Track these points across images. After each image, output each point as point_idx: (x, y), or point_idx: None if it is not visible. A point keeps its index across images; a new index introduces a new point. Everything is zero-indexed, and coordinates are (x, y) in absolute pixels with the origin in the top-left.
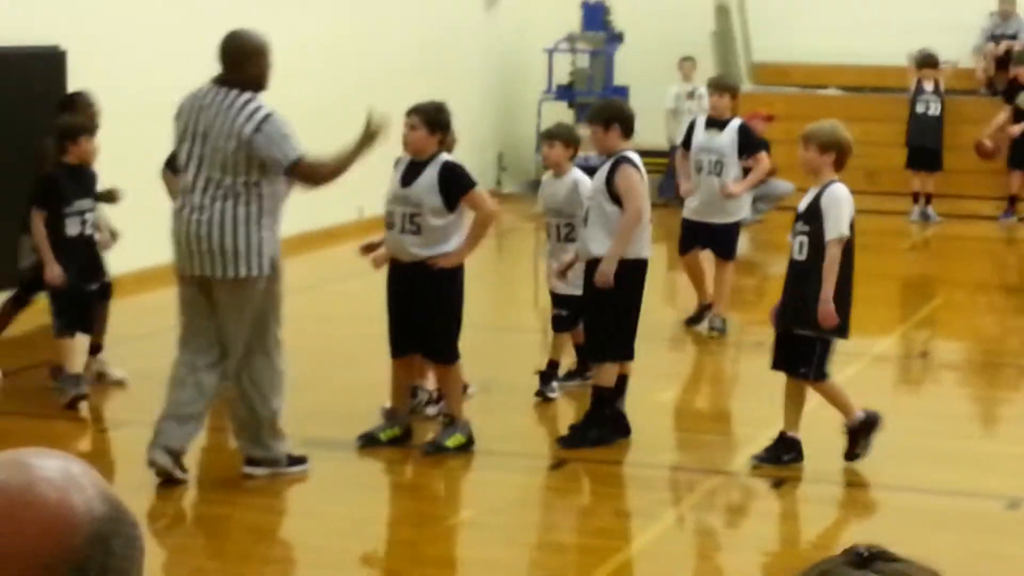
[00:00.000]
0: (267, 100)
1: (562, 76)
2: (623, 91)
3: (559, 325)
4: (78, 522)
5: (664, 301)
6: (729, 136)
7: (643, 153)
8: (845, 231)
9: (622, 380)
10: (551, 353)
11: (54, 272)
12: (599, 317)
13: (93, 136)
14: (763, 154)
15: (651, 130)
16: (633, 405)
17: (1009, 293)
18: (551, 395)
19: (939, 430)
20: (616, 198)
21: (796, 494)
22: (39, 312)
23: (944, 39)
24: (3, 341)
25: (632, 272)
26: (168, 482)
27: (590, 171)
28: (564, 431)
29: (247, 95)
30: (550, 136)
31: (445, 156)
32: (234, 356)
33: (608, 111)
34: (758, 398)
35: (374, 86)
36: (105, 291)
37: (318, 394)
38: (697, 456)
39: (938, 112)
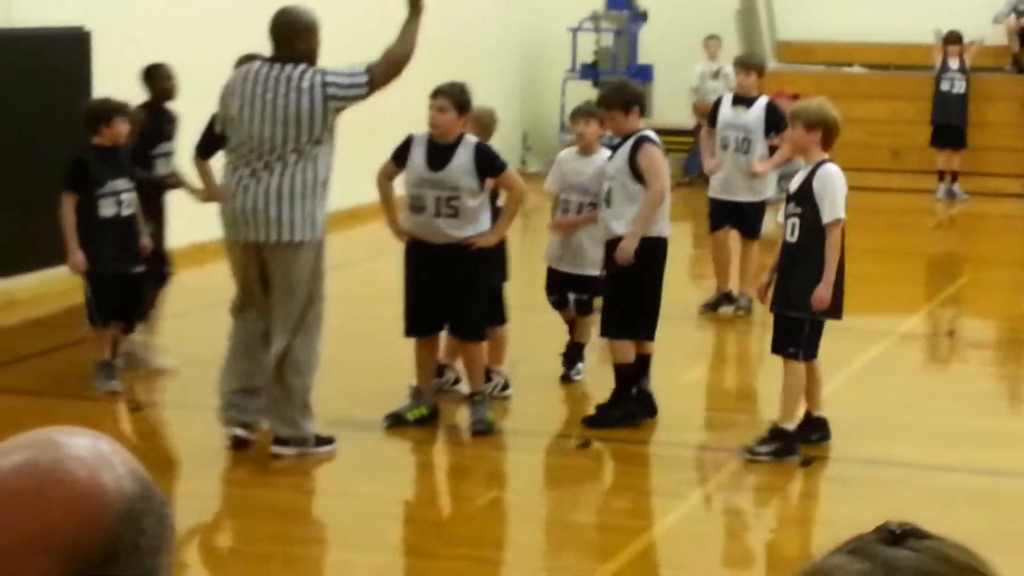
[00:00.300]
0: None
1: (586, 55)
2: (647, 70)
3: (583, 309)
4: (108, 501)
5: (689, 280)
6: (756, 114)
7: (667, 132)
8: (841, 214)
9: (645, 360)
10: (577, 336)
11: (76, 259)
12: (620, 295)
13: (126, 117)
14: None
15: (675, 109)
16: (659, 385)
17: None
18: (576, 378)
19: (966, 409)
20: (639, 177)
21: (824, 473)
22: (69, 292)
23: (969, 17)
24: (35, 322)
25: (653, 250)
26: (240, 444)
27: (613, 150)
28: (590, 411)
29: (302, 66)
30: (587, 113)
31: (471, 137)
32: (283, 326)
33: (626, 94)
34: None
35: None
36: (160, 278)
37: (345, 374)
38: (724, 436)
39: (963, 90)
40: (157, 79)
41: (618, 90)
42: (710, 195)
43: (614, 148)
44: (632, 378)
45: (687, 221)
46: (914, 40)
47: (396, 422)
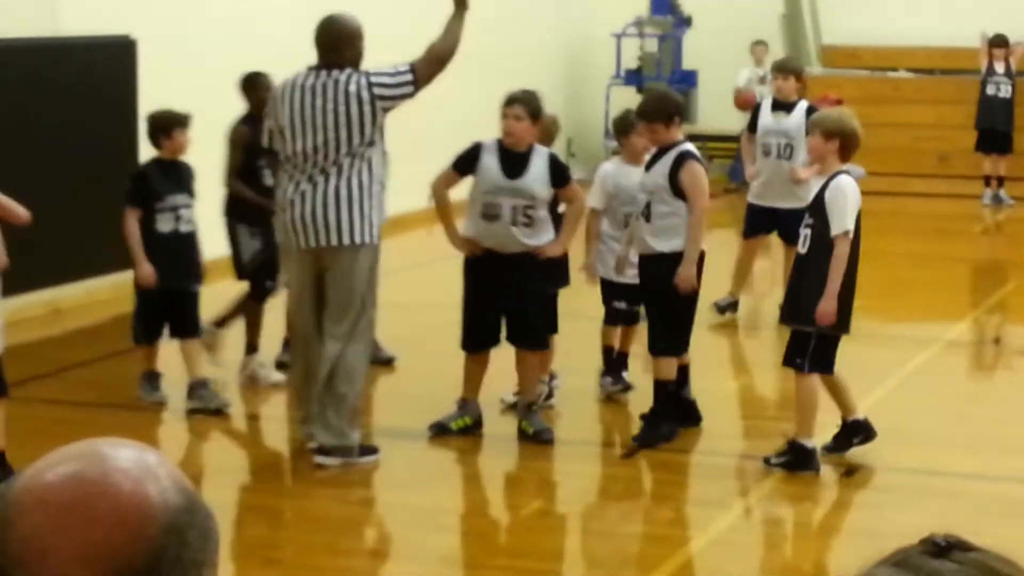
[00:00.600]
0: None
1: (630, 61)
2: (691, 75)
3: (630, 319)
4: (153, 513)
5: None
6: (797, 119)
7: (712, 138)
8: (849, 226)
9: (684, 369)
10: (620, 344)
11: (143, 272)
12: (663, 312)
13: (186, 128)
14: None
15: (720, 115)
16: (700, 393)
17: None
18: (613, 388)
19: (1012, 417)
20: (679, 192)
21: (868, 483)
22: (114, 302)
23: (1016, 19)
24: (80, 332)
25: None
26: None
27: (651, 162)
28: (633, 417)
29: (347, 70)
30: (634, 125)
31: (540, 146)
32: (337, 333)
33: (668, 105)
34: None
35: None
36: (264, 291)
37: (390, 382)
38: (765, 445)
39: (1009, 94)
40: (257, 88)
41: (659, 102)
42: (749, 200)
43: (652, 159)
44: (674, 394)
45: (733, 228)
46: (959, 44)
47: (440, 431)
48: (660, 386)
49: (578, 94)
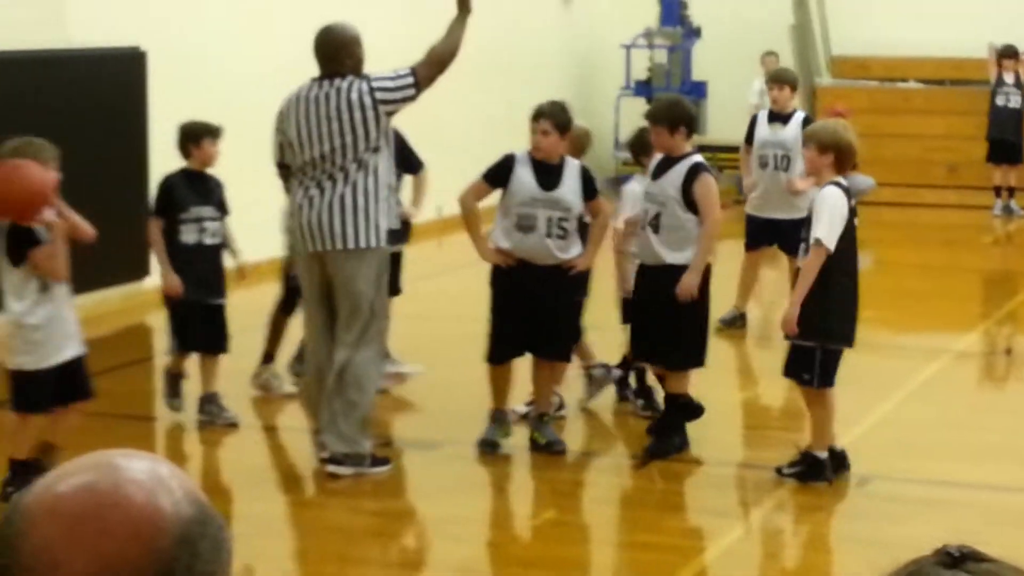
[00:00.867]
0: None
1: (640, 72)
2: (701, 86)
3: None
4: (166, 524)
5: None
6: (794, 130)
7: (723, 149)
8: (822, 235)
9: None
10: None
11: (169, 283)
12: (678, 326)
13: (217, 139)
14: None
15: (730, 126)
16: (712, 403)
17: None
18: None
19: (1023, 427)
20: (691, 205)
21: (880, 494)
22: (127, 311)
23: None
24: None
25: (702, 279)
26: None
27: (657, 170)
28: (642, 427)
29: (349, 78)
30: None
31: (571, 158)
32: (346, 340)
33: (675, 112)
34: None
35: (452, 83)
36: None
37: (402, 392)
38: (777, 455)
39: (1019, 104)
40: None
41: (667, 106)
42: (748, 212)
43: (658, 168)
44: (686, 407)
45: (741, 239)
46: (969, 54)
47: (491, 448)
48: (673, 398)
49: (588, 105)
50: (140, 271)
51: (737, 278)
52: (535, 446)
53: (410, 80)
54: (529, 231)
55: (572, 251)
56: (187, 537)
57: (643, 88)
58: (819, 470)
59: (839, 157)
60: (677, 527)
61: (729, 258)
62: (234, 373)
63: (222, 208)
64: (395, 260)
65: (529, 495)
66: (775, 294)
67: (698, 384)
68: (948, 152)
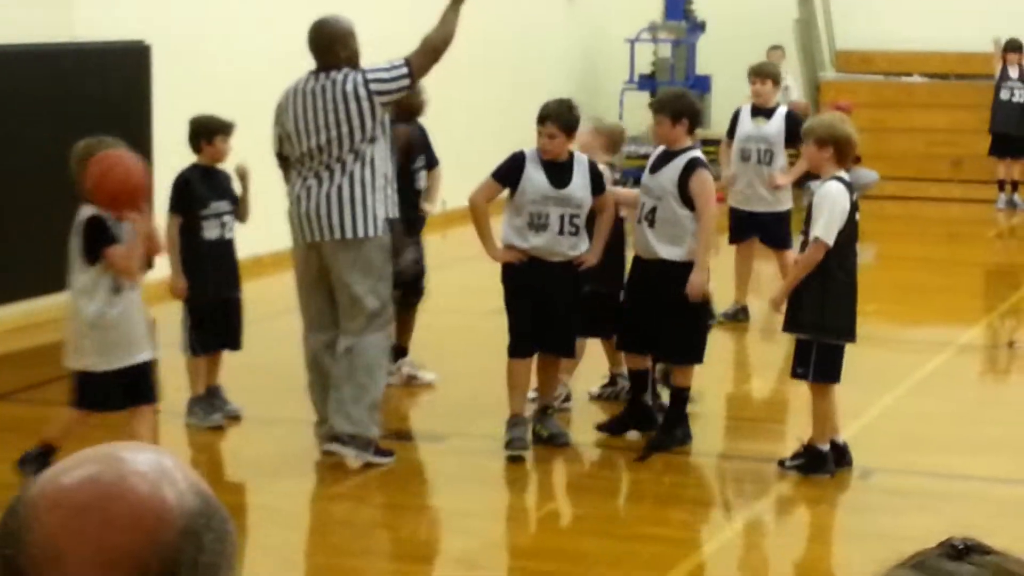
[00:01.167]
0: None
1: (644, 66)
2: (705, 80)
3: None
4: (170, 516)
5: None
6: (777, 124)
7: None
8: (821, 232)
9: (645, 375)
10: None
11: (178, 284)
12: (675, 321)
13: (229, 136)
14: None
15: None
16: (713, 396)
17: None
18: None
19: None
20: (687, 200)
21: (883, 486)
22: None
23: None
24: None
25: None
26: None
27: (655, 164)
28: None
29: (344, 70)
30: None
31: (578, 153)
32: (350, 326)
33: (679, 103)
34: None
35: (457, 78)
36: (417, 293)
37: (404, 387)
38: (780, 447)
39: (1023, 99)
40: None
41: (673, 97)
42: (731, 205)
43: (656, 162)
44: (686, 400)
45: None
46: (974, 49)
47: (521, 448)
48: (677, 392)
49: (592, 99)
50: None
51: (732, 272)
52: (538, 439)
53: (404, 71)
54: (542, 229)
55: (582, 246)
56: (191, 529)
57: (647, 82)
58: (821, 463)
59: (838, 150)
60: (679, 519)
61: (723, 253)
62: (236, 366)
63: (234, 201)
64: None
65: (532, 487)
66: (776, 288)
67: (701, 377)
68: (952, 146)
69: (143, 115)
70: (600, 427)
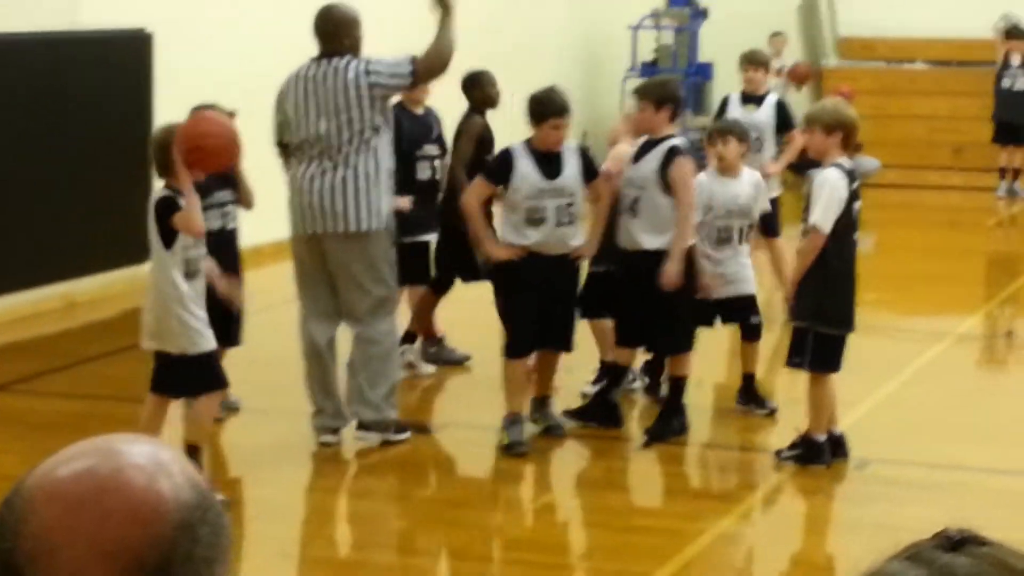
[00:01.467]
0: None
1: (646, 53)
2: (708, 68)
3: (757, 334)
4: (165, 509)
5: None
6: (767, 112)
7: None
8: (820, 220)
9: (621, 370)
10: (747, 365)
11: None
12: (662, 311)
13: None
14: (796, 132)
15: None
16: (711, 387)
17: None
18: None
19: None
20: (669, 189)
21: (880, 476)
22: (130, 295)
23: None
24: (96, 325)
25: (687, 262)
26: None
27: (638, 154)
28: (646, 411)
29: (347, 57)
30: (723, 132)
31: (571, 141)
32: (358, 316)
33: (663, 90)
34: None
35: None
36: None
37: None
38: (777, 438)
39: None
40: (482, 86)
41: (657, 83)
42: None
43: (639, 151)
44: (682, 389)
45: None
46: (976, 36)
47: (521, 448)
48: (675, 381)
49: (594, 87)
50: (144, 254)
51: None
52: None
53: (408, 68)
54: (540, 223)
55: (579, 236)
56: (187, 522)
57: (649, 69)
58: (817, 453)
59: (846, 136)
60: (676, 510)
61: None
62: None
63: (237, 190)
64: (423, 249)
65: (527, 478)
66: (775, 277)
67: (698, 367)
68: (954, 133)
69: (145, 103)
70: (566, 412)
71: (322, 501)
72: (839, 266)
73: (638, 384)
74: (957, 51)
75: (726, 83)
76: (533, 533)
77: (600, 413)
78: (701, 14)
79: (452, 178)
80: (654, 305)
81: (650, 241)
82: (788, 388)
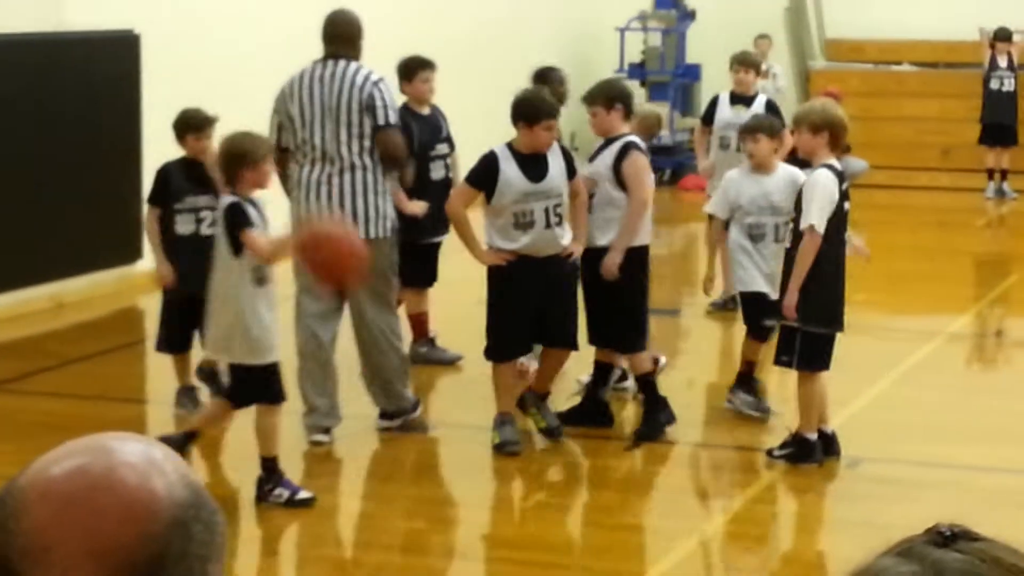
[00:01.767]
0: None
1: (634, 55)
2: (695, 69)
3: (765, 336)
4: (159, 507)
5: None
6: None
7: None
8: (814, 220)
9: (608, 369)
10: (747, 355)
11: (162, 273)
12: (613, 309)
13: (203, 133)
14: (785, 132)
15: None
16: (703, 386)
17: None
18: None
19: (1015, 408)
20: (623, 184)
21: (871, 475)
22: (118, 295)
23: (1019, 13)
24: (84, 325)
25: (637, 260)
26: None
27: (595, 153)
28: (636, 410)
29: (355, 63)
30: (752, 130)
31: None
32: (363, 311)
33: (611, 90)
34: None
35: (447, 66)
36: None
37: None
38: (769, 437)
39: (1012, 88)
40: (550, 83)
41: (603, 86)
42: (710, 193)
43: (596, 150)
44: (654, 384)
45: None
46: (964, 37)
47: (514, 447)
48: (642, 380)
49: (581, 88)
50: (132, 254)
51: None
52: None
53: (393, 120)
54: (529, 227)
55: (568, 236)
56: (181, 520)
57: (637, 71)
58: (809, 452)
59: (834, 135)
60: (668, 509)
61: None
62: None
63: (215, 196)
64: (432, 252)
65: (520, 477)
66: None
67: (689, 367)
68: (941, 135)
69: (133, 105)
70: (557, 415)
71: (317, 500)
72: (827, 266)
73: (630, 383)
74: (944, 53)
75: (714, 84)
76: (525, 531)
77: (590, 413)
78: (689, 16)
79: None
80: (604, 303)
81: (602, 238)
82: (780, 388)
